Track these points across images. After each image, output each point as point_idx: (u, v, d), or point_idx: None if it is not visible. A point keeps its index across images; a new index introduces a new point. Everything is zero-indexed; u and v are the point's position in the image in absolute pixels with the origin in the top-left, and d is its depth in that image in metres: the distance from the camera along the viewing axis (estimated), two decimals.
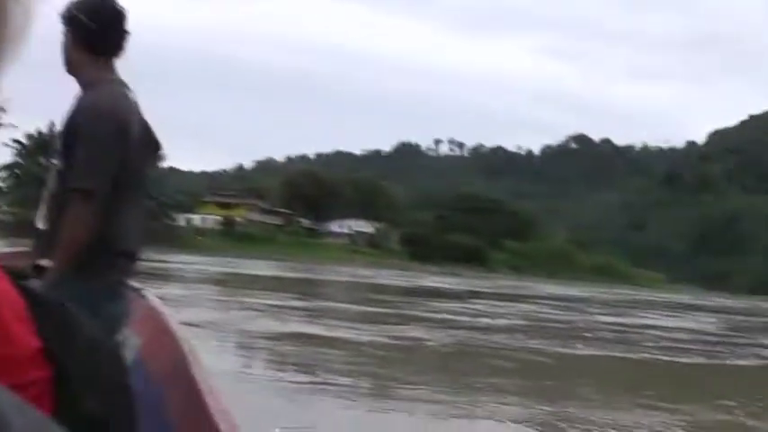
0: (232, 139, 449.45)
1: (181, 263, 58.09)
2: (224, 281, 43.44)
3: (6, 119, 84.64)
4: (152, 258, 57.32)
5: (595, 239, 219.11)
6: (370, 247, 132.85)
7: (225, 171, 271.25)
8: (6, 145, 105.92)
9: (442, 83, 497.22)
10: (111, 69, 3.75)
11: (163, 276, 38.92)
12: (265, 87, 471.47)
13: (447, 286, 61.08)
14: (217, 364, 9.82)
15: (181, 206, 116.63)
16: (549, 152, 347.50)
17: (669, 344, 22.35)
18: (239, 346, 15.52)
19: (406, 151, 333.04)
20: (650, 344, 21.82)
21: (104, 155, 3.56)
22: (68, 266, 3.42)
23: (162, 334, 4.15)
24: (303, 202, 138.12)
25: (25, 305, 0.98)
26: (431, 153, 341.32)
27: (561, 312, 35.03)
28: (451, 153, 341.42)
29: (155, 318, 4.51)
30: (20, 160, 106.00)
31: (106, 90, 3.69)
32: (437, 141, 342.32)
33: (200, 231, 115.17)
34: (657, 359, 18.33)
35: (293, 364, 13.68)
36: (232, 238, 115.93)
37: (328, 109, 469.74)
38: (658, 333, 26.28)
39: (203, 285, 35.85)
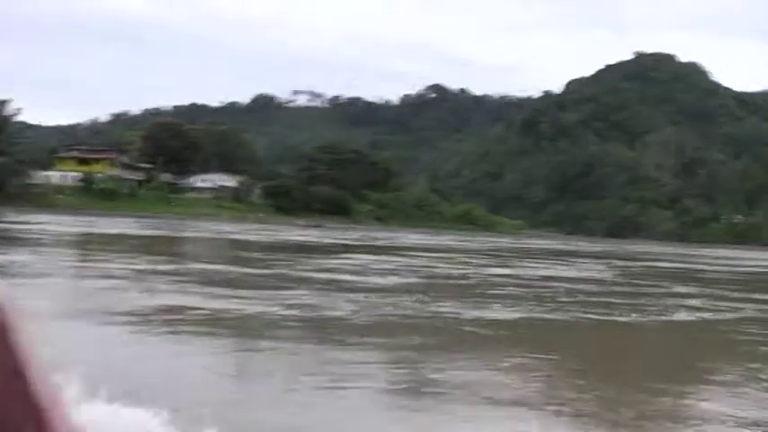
0: (85, 92, 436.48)
1: (35, 223, 54.08)
2: (82, 242, 39.80)
3: None
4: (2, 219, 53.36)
5: (455, 188, 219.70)
6: (234, 202, 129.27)
7: (79, 125, 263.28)
8: None
9: (300, 34, 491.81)
10: None
11: (10, 239, 35.37)
12: (119, 38, 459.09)
13: (317, 240, 58.66)
14: (76, 367, 6.93)
15: (37, 162, 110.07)
16: (407, 102, 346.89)
17: (586, 298, 20.12)
18: (99, 334, 11.57)
19: (264, 103, 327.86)
20: (567, 299, 19.53)
21: None
22: None
23: None
24: (164, 155, 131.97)
25: None
26: (289, 105, 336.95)
27: (448, 266, 32.71)
28: (310, 104, 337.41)
29: None
30: None
31: None
32: (295, 92, 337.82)
33: (60, 189, 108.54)
34: (595, 320, 15.92)
35: (178, 358, 10.29)
36: (93, 195, 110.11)
37: (184, 61, 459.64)
38: (565, 285, 24.11)
39: (58, 249, 32.38)
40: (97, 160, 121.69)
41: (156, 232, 55.38)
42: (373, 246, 53.55)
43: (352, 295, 17.33)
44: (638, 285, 25.72)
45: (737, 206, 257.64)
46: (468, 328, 13.30)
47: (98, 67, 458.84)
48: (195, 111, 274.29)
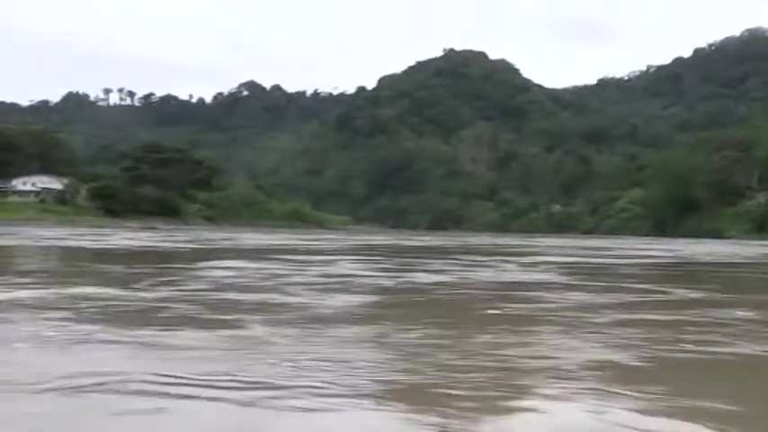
0: None
1: None
2: None
3: None
4: None
5: (276, 186, 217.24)
6: (59, 205, 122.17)
7: None
8: None
9: (112, 30, 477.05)
10: None
11: None
12: None
13: (169, 245, 52.91)
14: None
15: None
16: (220, 100, 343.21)
17: (624, 315, 15.08)
18: None
19: (75, 101, 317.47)
20: (604, 321, 14.46)
21: None
22: None
23: None
24: None
25: None
26: (101, 103, 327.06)
27: (361, 272, 27.46)
28: (122, 103, 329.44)
29: None
30: None
31: None
32: (107, 91, 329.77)
33: None
34: (734, 355, 10.92)
35: None
36: None
37: None
38: (550, 296, 19.13)
39: None
40: None
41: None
42: (238, 250, 48.11)
43: (342, 331, 11.76)
44: (637, 291, 20.84)
45: (554, 197, 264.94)
46: (635, 393, 7.96)
47: None
48: (3, 109, 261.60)
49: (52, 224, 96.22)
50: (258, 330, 11.71)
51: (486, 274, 27.31)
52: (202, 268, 27.38)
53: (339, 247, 55.97)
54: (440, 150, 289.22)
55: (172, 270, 26.33)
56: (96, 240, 56.80)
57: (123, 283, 20.10)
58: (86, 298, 16.32)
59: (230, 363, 9.00)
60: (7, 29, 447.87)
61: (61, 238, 58.77)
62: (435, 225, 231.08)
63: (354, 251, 49.09)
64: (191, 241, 61.26)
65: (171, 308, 14.82)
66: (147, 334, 11.11)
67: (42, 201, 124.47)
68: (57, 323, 12.20)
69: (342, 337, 11.19)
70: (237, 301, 16.32)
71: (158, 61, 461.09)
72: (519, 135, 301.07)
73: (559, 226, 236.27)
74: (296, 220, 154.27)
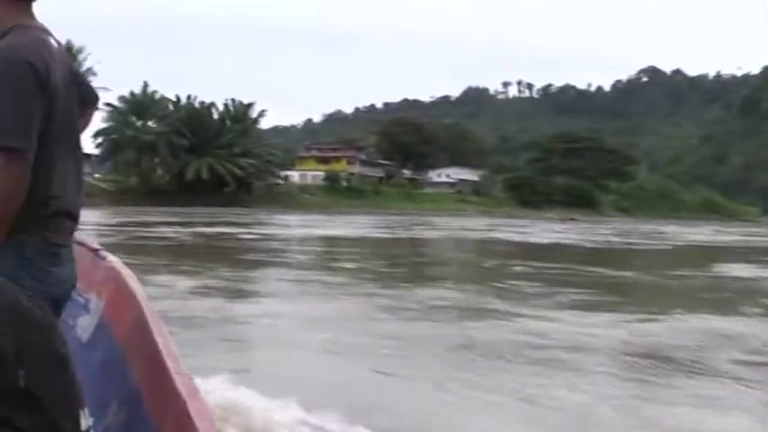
0: (294, 94, 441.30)
1: (274, 224, 49.55)
2: (342, 254, 30.13)
3: (98, 82, 79.20)
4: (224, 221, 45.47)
5: (680, 175, 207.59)
6: (474, 195, 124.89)
7: (294, 126, 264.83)
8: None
9: (508, 25, 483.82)
10: (30, 15, 3.11)
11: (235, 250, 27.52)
12: (324, 40, 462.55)
13: (613, 239, 48.57)
14: None
15: (279, 163, 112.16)
16: (619, 87, 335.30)
17: None
18: None
19: (475, 96, 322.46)
20: None
21: (23, 105, 2.84)
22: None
23: (123, 296, 3.85)
24: (401, 151, 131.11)
25: None
26: (500, 96, 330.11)
27: None
28: (520, 95, 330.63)
29: (115, 279, 4.08)
30: (114, 124, 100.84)
31: (23, 35, 3.00)
32: (505, 84, 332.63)
33: (305, 188, 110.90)
34: None
35: None
36: (338, 193, 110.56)
37: (391, 58, 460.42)
38: None
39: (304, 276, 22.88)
40: (336, 159, 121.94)
41: (423, 233, 48.67)
42: (719, 248, 42.72)
43: None
44: None
45: None
46: None
47: (308, 71, 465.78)
48: (406, 106, 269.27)
49: (472, 215, 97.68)
50: None
51: None
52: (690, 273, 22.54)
53: None
54: None
55: (713, 280, 21.86)
56: (531, 234, 52.67)
57: (715, 305, 15.81)
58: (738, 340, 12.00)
59: None
60: (405, 30, 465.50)
61: (490, 230, 54.44)
62: None
63: None
64: (627, 234, 56.75)
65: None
66: None
67: (459, 192, 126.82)
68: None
69: None
70: None
71: (554, 53, 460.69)
72: None
73: None
74: (708, 212, 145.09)
